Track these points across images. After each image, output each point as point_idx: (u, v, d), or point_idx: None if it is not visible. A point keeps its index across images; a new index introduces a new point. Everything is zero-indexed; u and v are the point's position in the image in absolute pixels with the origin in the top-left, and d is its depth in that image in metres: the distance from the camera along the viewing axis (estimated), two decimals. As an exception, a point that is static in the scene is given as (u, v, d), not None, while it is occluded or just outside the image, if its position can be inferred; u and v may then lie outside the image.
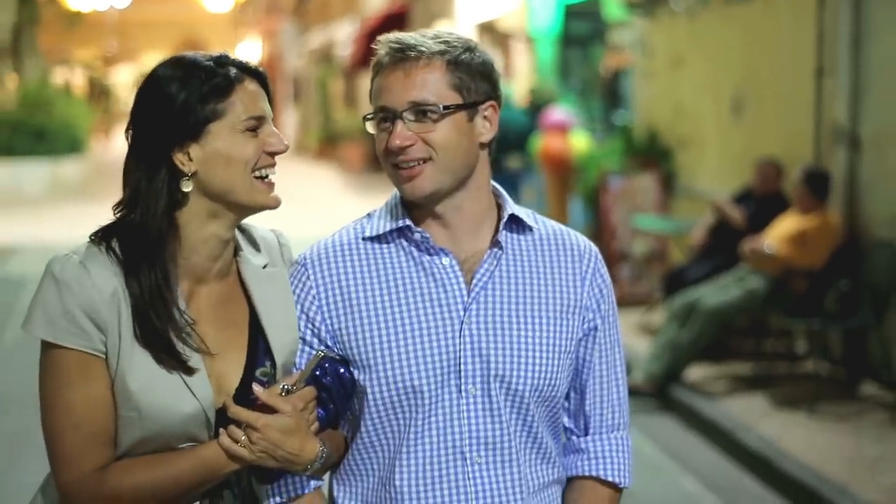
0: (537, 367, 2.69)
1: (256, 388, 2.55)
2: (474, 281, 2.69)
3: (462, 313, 2.67)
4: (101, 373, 2.52)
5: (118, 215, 2.60)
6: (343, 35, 36.08)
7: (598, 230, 13.34)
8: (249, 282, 2.70)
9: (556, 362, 2.71)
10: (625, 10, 14.86)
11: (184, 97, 2.53)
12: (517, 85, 19.91)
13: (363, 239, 2.75)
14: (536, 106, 16.67)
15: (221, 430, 2.55)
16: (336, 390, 2.63)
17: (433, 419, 2.66)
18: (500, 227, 2.73)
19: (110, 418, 2.54)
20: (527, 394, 2.68)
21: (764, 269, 9.22)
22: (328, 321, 2.70)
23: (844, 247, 9.16)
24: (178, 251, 2.59)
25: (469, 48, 2.67)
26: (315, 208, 21.74)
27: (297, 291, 2.74)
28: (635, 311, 12.03)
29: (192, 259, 2.62)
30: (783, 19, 10.65)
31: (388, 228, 2.72)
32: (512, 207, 2.75)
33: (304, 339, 2.73)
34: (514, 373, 2.67)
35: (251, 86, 2.61)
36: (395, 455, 2.69)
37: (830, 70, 9.72)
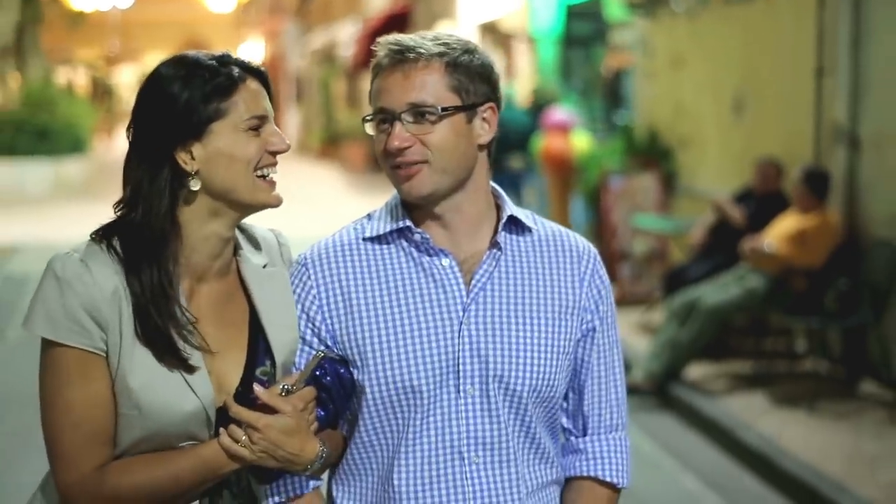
0: (535, 368, 2.69)
1: (257, 388, 2.55)
2: (473, 282, 2.70)
3: (461, 314, 2.68)
4: (102, 371, 2.52)
5: (118, 214, 2.60)
6: (345, 35, 36.11)
7: (599, 229, 13.37)
8: (249, 281, 2.70)
9: (554, 363, 2.72)
10: (626, 10, 14.88)
11: (187, 96, 2.53)
12: (519, 85, 19.94)
13: (363, 239, 2.75)
14: (538, 106, 16.69)
15: (222, 429, 2.55)
16: (336, 390, 2.63)
17: (432, 419, 2.66)
18: (500, 228, 2.73)
19: (110, 417, 2.53)
20: (525, 394, 2.68)
21: (763, 267, 9.25)
22: (328, 321, 2.71)
23: (844, 246, 9.18)
24: (179, 250, 2.59)
25: (468, 50, 2.67)
26: (317, 208, 21.76)
27: (298, 291, 2.74)
28: (635, 310, 12.06)
29: (193, 258, 2.61)
30: (783, 19, 10.68)
31: (388, 229, 2.72)
32: (511, 208, 2.76)
33: (304, 339, 2.73)
34: (513, 373, 2.67)
35: (253, 85, 2.62)
36: (393, 455, 2.69)
37: (830, 70, 9.75)
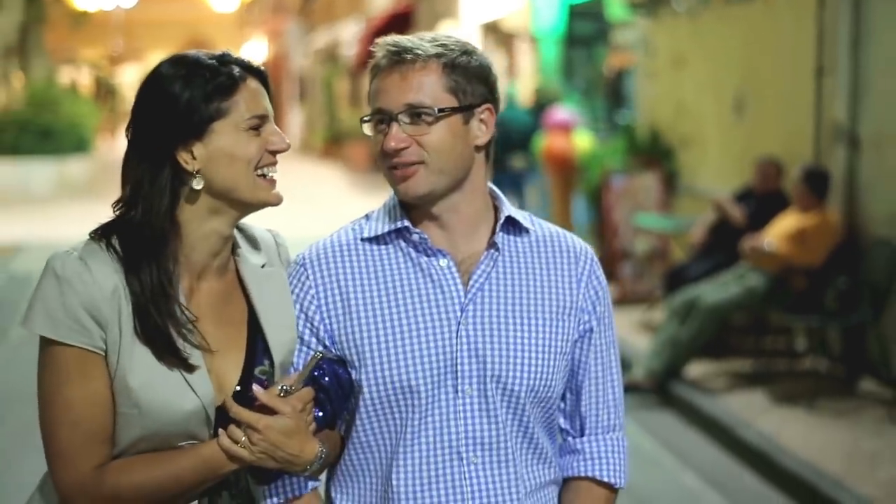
0: (533, 368, 2.69)
1: (257, 389, 2.56)
2: (471, 282, 2.70)
3: (459, 314, 2.68)
4: (101, 370, 2.51)
5: (117, 213, 2.60)
6: (348, 35, 36.12)
7: (601, 228, 13.40)
8: (248, 281, 2.70)
9: (551, 363, 2.72)
10: (627, 10, 14.90)
11: (188, 96, 2.54)
12: (521, 85, 19.96)
13: (362, 240, 2.75)
14: (541, 105, 16.71)
15: (221, 430, 2.55)
16: (334, 391, 2.63)
17: (430, 419, 2.67)
18: (497, 229, 2.74)
19: (109, 416, 2.53)
20: (522, 394, 2.69)
21: (763, 266, 9.28)
22: (326, 321, 2.71)
23: (843, 245, 9.21)
24: (178, 248, 2.59)
25: (466, 51, 2.68)
26: (320, 207, 21.80)
27: (296, 291, 2.75)
28: (637, 309, 12.09)
29: (193, 256, 2.62)
30: (783, 20, 10.71)
31: (386, 229, 2.73)
32: (509, 209, 2.77)
33: (302, 339, 2.73)
34: (510, 373, 2.68)
35: (253, 84, 2.62)
36: (391, 455, 2.69)
37: (830, 70, 9.78)
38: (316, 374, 2.60)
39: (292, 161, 38.55)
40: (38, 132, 26.50)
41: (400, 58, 2.64)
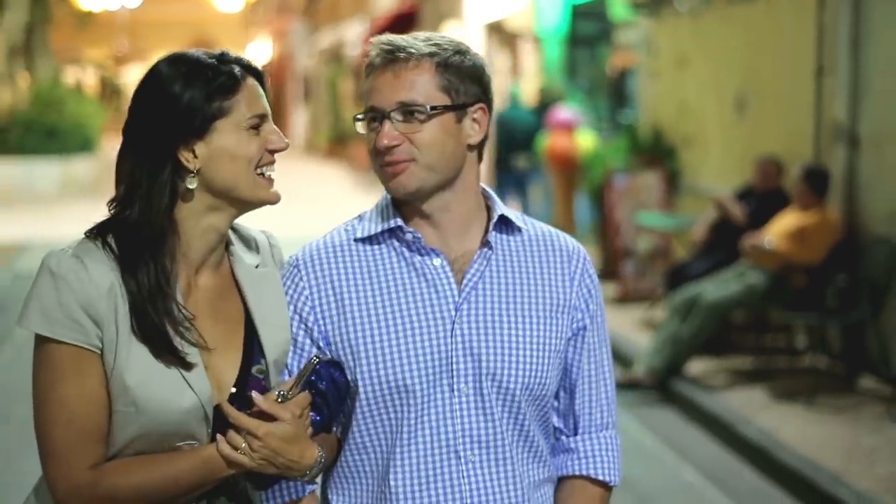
0: (528, 366, 2.70)
1: (256, 396, 2.53)
2: (465, 281, 2.70)
3: (453, 313, 2.68)
4: (96, 368, 2.49)
5: (113, 212, 2.59)
6: (353, 35, 36.12)
7: (603, 227, 13.44)
8: (242, 281, 2.69)
9: (546, 361, 2.73)
10: (630, 10, 14.93)
11: (190, 95, 2.53)
12: (525, 84, 20.00)
13: (355, 240, 2.75)
14: (544, 105, 16.73)
15: (220, 436, 2.53)
16: (331, 395, 2.63)
17: (426, 418, 2.66)
18: (490, 228, 2.74)
19: (104, 415, 2.51)
20: (518, 392, 2.69)
21: (764, 264, 9.33)
22: (320, 322, 2.71)
23: (843, 243, 9.25)
24: (176, 246, 2.59)
25: (460, 51, 2.68)
26: (325, 207, 21.84)
27: (290, 292, 2.74)
28: (639, 307, 12.15)
29: (190, 253, 2.61)
30: (784, 20, 10.75)
31: (379, 229, 2.73)
32: (501, 208, 2.77)
33: (296, 340, 2.73)
34: (506, 371, 2.68)
35: (253, 84, 2.62)
36: (388, 455, 2.69)
37: (830, 70, 9.83)
38: (313, 378, 2.60)
39: (297, 161, 38.58)
40: (43, 132, 26.53)
41: (393, 56, 2.64)
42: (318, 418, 2.61)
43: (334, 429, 2.76)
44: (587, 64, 18.99)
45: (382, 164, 2.66)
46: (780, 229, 9.31)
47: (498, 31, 23.15)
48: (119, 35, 51.32)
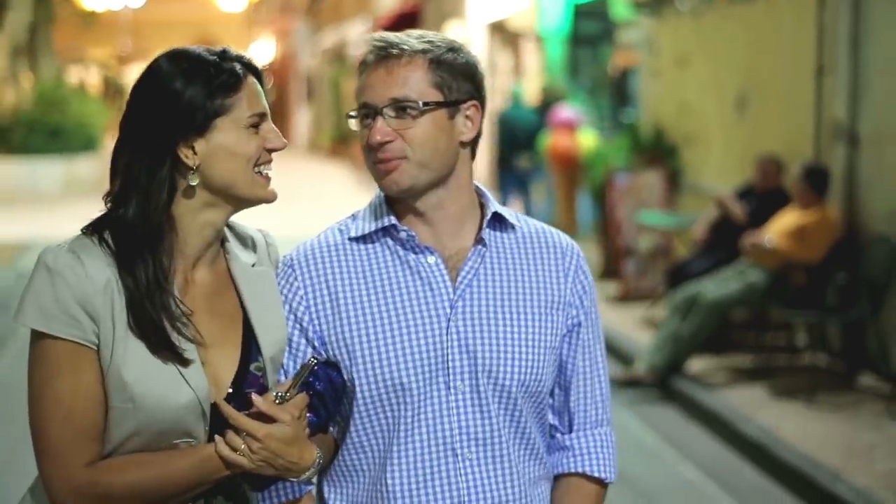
0: (524, 362, 2.70)
1: (256, 398, 2.52)
2: (459, 278, 2.70)
3: (448, 310, 2.68)
4: (92, 365, 2.48)
5: (108, 206, 2.58)
6: (356, 34, 36.13)
7: (605, 226, 13.46)
8: (238, 279, 2.69)
9: (541, 357, 2.73)
10: (632, 9, 14.96)
11: (191, 92, 2.53)
12: (527, 84, 20.03)
13: (349, 239, 2.75)
14: (547, 104, 16.76)
15: (218, 437, 2.52)
16: (329, 396, 2.62)
17: (422, 416, 2.66)
18: (484, 225, 2.74)
19: (100, 411, 2.49)
20: (514, 388, 2.69)
21: (764, 262, 9.36)
22: (315, 321, 2.71)
23: (843, 241, 9.28)
24: (174, 242, 2.58)
25: (452, 48, 2.68)
26: (327, 206, 21.84)
27: (285, 291, 2.74)
28: (640, 306, 12.17)
29: (186, 249, 2.61)
30: (785, 19, 10.79)
31: (372, 228, 2.73)
32: (495, 205, 2.77)
33: (291, 339, 2.72)
34: (502, 368, 2.68)
35: (254, 82, 2.61)
36: (385, 454, 2.68)
37: (830, 69, 9.86)
38: (311, 379, 2.59)
39: (300, 160, 38.59)
40: (46, 131, 26.53)
41: (386, 53, 2.65)
42: (315, 419, 2.61)
43: (331, 429, 2.76)
44: (589, 63, 19.02)
45: (375, 161, 2.67)
46: (780, 228, 9.33)
47: (500, 31, 23.20)
48: (122, 35, 51.34)
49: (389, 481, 2.67)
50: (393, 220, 2.71)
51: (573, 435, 2.87)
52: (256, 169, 2.61)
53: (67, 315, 2.46)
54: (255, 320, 2.66)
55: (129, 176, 2.55)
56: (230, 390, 2.61)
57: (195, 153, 2.56)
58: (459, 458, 2.68)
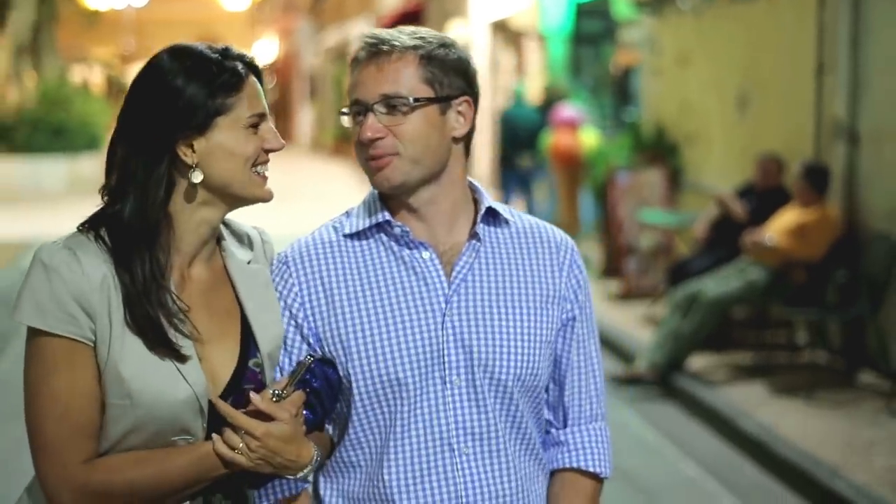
0: (520, 356, 2.69)
1: (254, 396, 2.51)
2: (454, 273, 2.70)
3: (444, 305, 2.68)
4: (89, 361, 2.47)
5: (105, 201, 2.58)
6: (358, 33, 36.05)
7: (606, 224, 13.49)
8: (234, 276, 2.68)
9: (537, 351, 2.72)
10: (633, 8, 14.98)
11: (193, 90, 2.52)
12: (529, 82, 20.05)
13: (343, 236, 2.75)
14: (549, 103, 16.78)
15: (216, 436, 2.51)
16: (325, 393, 2.61)
17: (419, 411, 2.65)
18: (478, 220, 2.74)
19: (96, 409, 2.48)
20: (510, 383, 2.68)
21: (764, 260, 9.38)
22: (310, 318, 2.70)
23: (843, 239, 9.30)
24: (170, 239, 2.57)
25: (444, 44, 2.68)
26: (330, 205, 21.84)
27: (280, 289, 2.73)
28: (642, 304, 12.20)
29: (182, 246, 2.60)
30: (785, 18, 10.82)
31: (367, 224, 2.72)
32: (489, 201, 2.77)
33: (287, 336, 2.71)
34: (498, 362, 2.67)
35: (254, 82, 2.61)
36: (382, 449, 2.68)
37: (830, 68, 9.89)
38: (307, 377, 2.58)
39: (302, 159, 38.52)
40: (50, 130, 26.56)
41: (377, 50, 2.65)
42: (311, 416, 2.61)
43: (327, 426, 2.76)
44: (591, 62, 19.04)
45: (366, 157, 2.67)
46: (780, 226, 9.36)
47: (503, 30, 23.22)
48: (125, 34, 51.36)
49: (386, 477, 2.67)
50: (387, 216, 2.71)
51: (568, 430, 2.86)
52: (254, 169, 2.61)
53: (64, 312, 2.45)
54: (252, 317, 2.66)
55: (125, 171, 2.55)
56: (226, 389, 2.60)
57: (194, 151, 2.55)
58: (456, 452, 2.67)
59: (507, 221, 2.81)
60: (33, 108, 27.17)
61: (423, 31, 2.71)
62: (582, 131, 15.36)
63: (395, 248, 2.72)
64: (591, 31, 18.62)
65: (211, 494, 2.61)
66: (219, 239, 2.70)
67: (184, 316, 2.55)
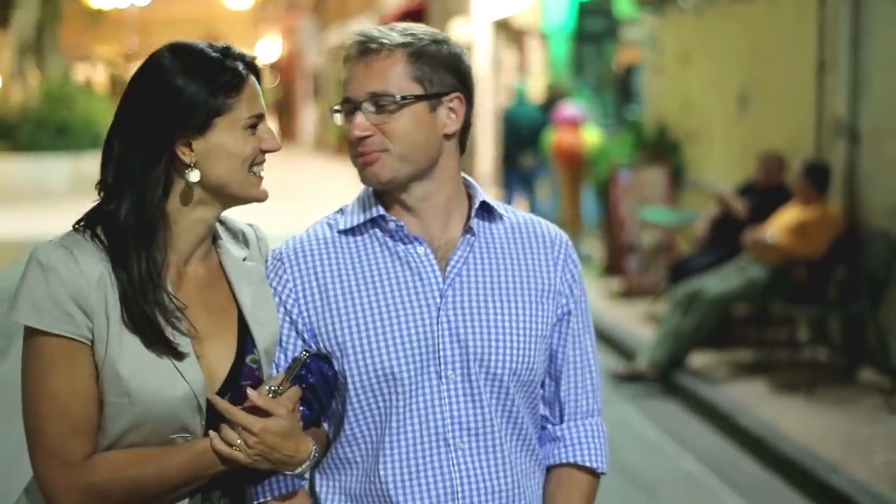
0: (515, 350, 2.69)
1: (251, 392, 2.51)
2: (449, 267, 2.69)
3: (438, 300, 2.67)
4: (86, 360, 2.46)
5: (101, 197, 2.58)
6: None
7: (608, 222, 13.52)
8: (231, 273, 2.68)
9: (533, 345, 2.72)
10: (635, 7, 15.00)
11: (193, 90, 2.52)
12: (532, 81, 20.07)
13: (338, 232, 2.74)
14: (552, 101, 16.80)
15: (213, 433, 2.51)
16: (321, 389, 2.62)
17: (414, 406, 2.65)
18: (472, 215, 2.73)
19: (94, 408, 2.47)
20: (506, 377, 2.68)
21: (765, 258, 9.41)
22: (305, 314, 2.70)
23: (844, 237, 9.32)
24: (167, 238, 2.57)
25: (436, 41, 2.67)
26: (333, 203, 21.80)
27: (275, 285, 2.72)
28: (643, 302, 12.23)
29: (179, 245, 2.59)
30: (786, 17, 10.84)
31: (361, 220, 2.72)
32: (483, 196, 2.76)
33: (282, 333, 2.71)
34: (493, 356, 2.67)
35: (254, 83, 2.61)
36: (378, 445, 2.67)
37: (831, 66, 9.92)
38: (303, 372, 2.58)
39: (306, 158, 38.47)
40: (53, 129, 26.61)
41: (366, 47, 2.65)
42: (308, 412, 2.61)
43: (323, 423, 2.76)
44: (593, 60, 19.06)
45: (356, 154, 2.67)
46: (781, 224, 9.39)
47: (505, 28, 23.24)
48: (129, 32, 51.34)
49: (382, 472, 2.66)
50: (381, 210, 2.71)
51: (564, 425, 2.85)
52: (251, 169, 2.61)
53: (61, 311, 2.44)
54: (249, 314, 2.66)
55: (122, 168, 2.55)
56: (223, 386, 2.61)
57: (192, 151, 2.55)
58: (452, 448, 2.66)
59: (501, 216, 2.81)
60: (37, 106, 27.24)
61: (415, 27, 2.71)
62: (584, 130, 15.37)
63: (390, 243, 2.72)
64: (594, 30, 18.64)
65: (209, 492, 2.61)
66: (214, 236, 2.70)
67: (181, 314, 2.55)
